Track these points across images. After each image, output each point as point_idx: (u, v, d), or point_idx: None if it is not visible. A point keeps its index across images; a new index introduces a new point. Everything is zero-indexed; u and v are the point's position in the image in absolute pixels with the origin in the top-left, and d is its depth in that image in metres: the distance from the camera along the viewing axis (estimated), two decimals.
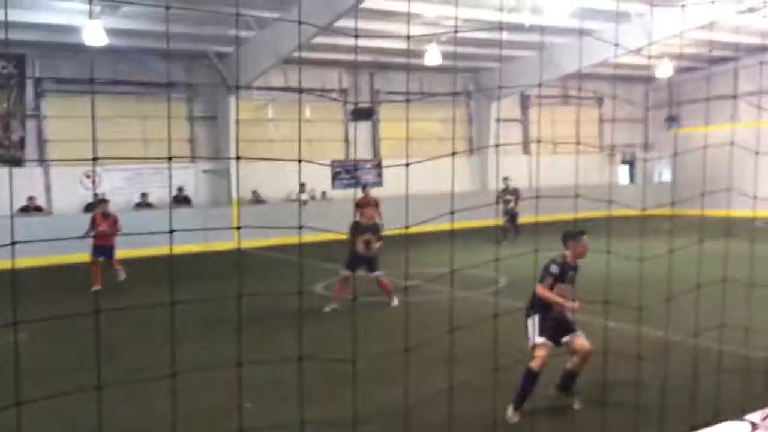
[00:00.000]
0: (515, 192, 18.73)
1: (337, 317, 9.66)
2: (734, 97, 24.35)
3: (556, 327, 5.80)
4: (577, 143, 23.78)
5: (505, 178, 19.27)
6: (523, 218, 18.75)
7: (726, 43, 21.89)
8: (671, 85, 27.45)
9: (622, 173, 29.54)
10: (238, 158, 3.36)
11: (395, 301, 10.42)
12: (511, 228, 18.34)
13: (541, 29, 17.82)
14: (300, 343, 4.40)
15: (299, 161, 3.58)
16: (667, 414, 5.12)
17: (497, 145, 24.59)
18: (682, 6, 14.06)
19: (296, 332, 5.46)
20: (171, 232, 3.17)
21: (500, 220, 18.33)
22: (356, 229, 10.37)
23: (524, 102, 26.41)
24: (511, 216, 18.57)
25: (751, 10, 16.79)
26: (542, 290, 5.81)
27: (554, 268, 5.84)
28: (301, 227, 3.59)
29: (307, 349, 4.23)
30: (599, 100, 27.88)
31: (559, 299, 5.77)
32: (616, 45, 13.54)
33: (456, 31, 18.69)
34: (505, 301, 10.01)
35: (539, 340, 5.72)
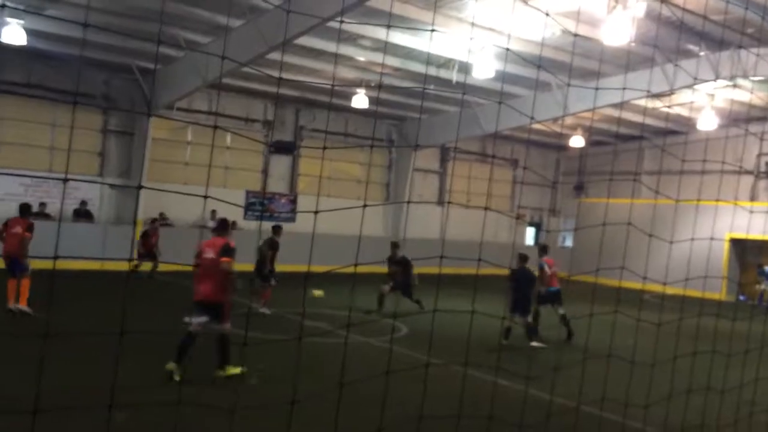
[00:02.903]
0: (402, 262, 14.59)
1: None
2: (636, 173, 25.98)
3: None
4: (486, 208, 24.58)
5: (394, 245, 15.22)
6: (427, 269, 18.98)
7: (634, 123, 23.38)
8: (582, 155, 28.96)
9: (529, 234, 30.67)
10: (140, 187, 3.21)
11: (266, 310, 12.79)
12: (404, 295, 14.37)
13: (466, 88, 18.46)
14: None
15: (205, 197, 3.49)
16: None
17: (409, 202, 25.01)
18: (596, 88, 14.99)
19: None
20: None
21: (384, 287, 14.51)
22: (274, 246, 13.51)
23: (444, 154, 27.10)
24: (400, 287, 14.44)
25: (658, 95, 18.05)
26: None
27: None
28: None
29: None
30: (514, 162, 29.00)
31: None
32: (532, 118, 14.21)
33: (380, 84, 19.08)
34: (402, 350, 10.07)
35: None
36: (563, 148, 28.46)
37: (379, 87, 18.82)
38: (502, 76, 16.91)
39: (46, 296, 9.15)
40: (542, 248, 13.19)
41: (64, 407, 5.50)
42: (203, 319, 7.70)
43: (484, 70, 16.37)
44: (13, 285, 10.77)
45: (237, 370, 7.79)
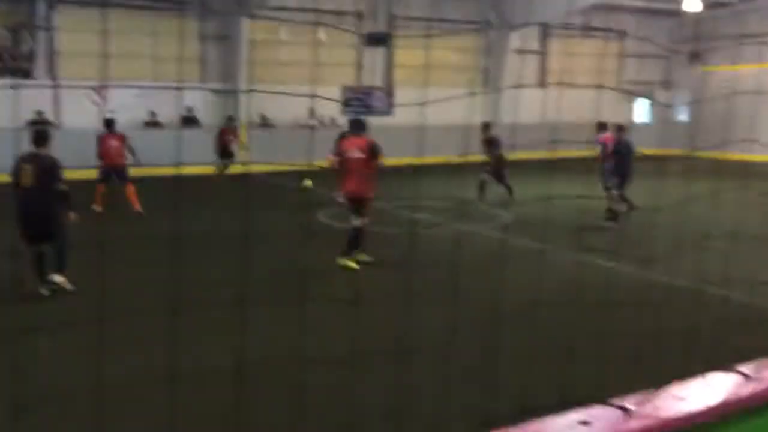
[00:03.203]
0: (492, 141, 14.03)
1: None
2: (765, 35, 23.58)
3: None
4: (599, 86, 23.30)
5: (485, 125, 14.41)
6: (533, 154, 18.48)
7: None
8: (698, 20, 26.52)
9: (639, 111, 28.98)
10: (249, 91, 3.19)
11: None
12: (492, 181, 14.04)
13: None
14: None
15: (312, 96, 3.45)
16: (660, 363, 5.15)
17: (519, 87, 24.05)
18: None
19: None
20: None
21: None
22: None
23: (544, 32, 25.64)
24: (492, 171, 14.02)
25: None
26: None
27: None
28: None
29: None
30: (621, 34, 27.04)
31: None
32: None
33: None
34: (506, 237, 10.01)
35: None
36: (676, 13, 26.14)
37: None
38: None
39: (167, 202, 9.66)
40: (602, 125, 12.51)
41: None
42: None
43: None
44: (102, 190, 12.21)
45: (361, 259, 8.46)
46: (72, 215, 7.48)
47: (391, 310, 6.20)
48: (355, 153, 8.35)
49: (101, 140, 12.33)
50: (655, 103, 28.24)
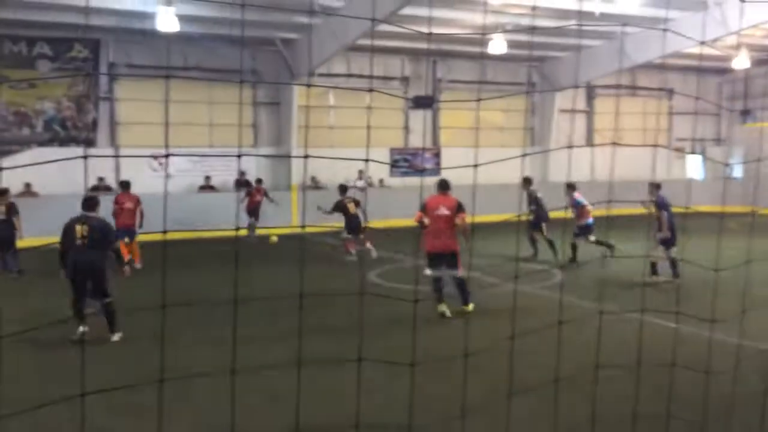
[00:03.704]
0: (536, 202, 13.92)
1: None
2: None
3: None
4: (655, 145, 23.14)
5: (525, 181, 14.15)
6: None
7: None
8: (747, 77, 26.28)
9: (692, 168, 28.53)
10: (305, 156, 3.33)
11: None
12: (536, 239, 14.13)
13: (610, 18, 17.28)
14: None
15: (366, 160, 3.55)
16: (730, 429, 4.93)
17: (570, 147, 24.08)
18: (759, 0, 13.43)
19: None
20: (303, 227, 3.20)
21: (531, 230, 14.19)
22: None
23: (590, 92, 25.76)
24: (532, 224, 14.04)
25: None
26: None
27: None
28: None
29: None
30: (669, 92, 26.95)
31: None
32: (703, 42, 12.94)
33: (531, 25, 18.32)
34: (560, 296, 9.84)
35: None
36: (724, 71, 25.99)
37: (532, 29, 18.07)
38: (652, 1, 15.65)
39: (230, 260, 9.86)
40: (570, 185, 13.39)
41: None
42: (442, 268, 8.92)
43: None
44: (134, 247, 12.83)
45: (471, 308, 9.03)
46: (126, 270, 8.13)
47: (447, 371, 6.13)
48: (444, 210, 8.92)
49: (116, 200, 12.81)
50: (707, 160, 27.80)
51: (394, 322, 8.50)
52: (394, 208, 18.69)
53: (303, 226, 14.51)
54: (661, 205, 11.02)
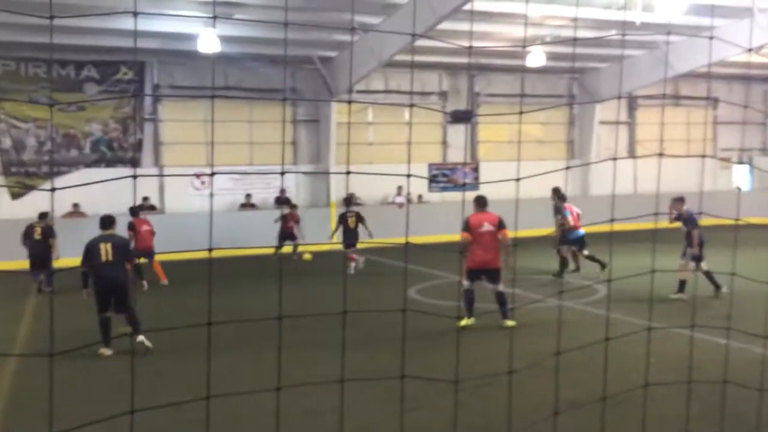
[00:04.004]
0: (557, 209, 13.97)
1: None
2: None
3: None
4: (704, 155, 22.65)
5: (555, 191, 14.01)
6: (626, 225, 17.94)
7: None
8: None
9: (738, 179, 27.77)
10: (348, 173, 3.33)
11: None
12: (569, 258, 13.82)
13: (651, 27, 17.01)
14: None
15: (408, 176, 3.54)
16: None
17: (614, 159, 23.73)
18: None
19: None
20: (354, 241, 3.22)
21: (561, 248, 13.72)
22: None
23: (631, 103, 25.36)
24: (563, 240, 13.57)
25: None
26: None
27: None
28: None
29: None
30: (713, 101, 26.35)
31: None
32: (750, 49, 12.64)
33: (575, 37, 18.18)
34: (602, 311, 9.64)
35: None
36: None
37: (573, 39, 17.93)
38: (694, 9, 15.37)
39: (269, 277, 9.94)
40: (560, 195, 13.59)
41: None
42: (480, 281, 9.19)
43: (675, 3, 15.00)
44: (157, 266, 13.36)
45: (511, 323, 8.93)
46: (144, 284, 8.84)
47: (489, 387, 6.05)
48: (488, 227, 9.11)
49: (134, 226, 12.96)
50: (755, 170, 27.03)
51: (434, 339, 8.45)
52: (433, 223, 18.63)
53: (343, 243, 14.54)
54: (691, 220, 10.76)
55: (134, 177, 2.83)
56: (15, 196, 17.31)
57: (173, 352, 8.02)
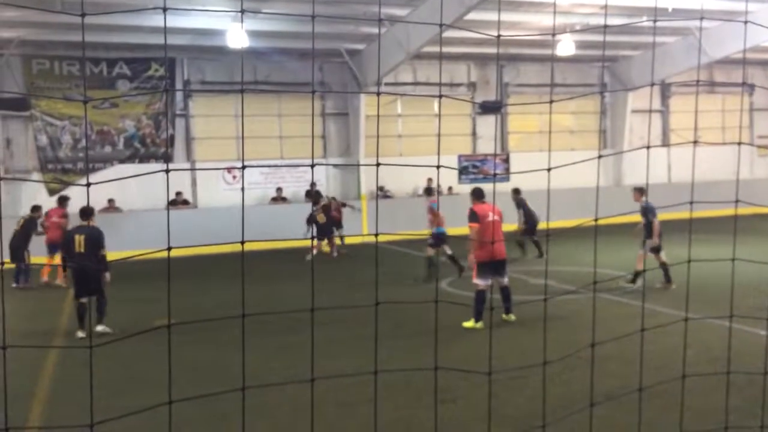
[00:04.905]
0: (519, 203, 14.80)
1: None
2: None
3: None
4: (740, 143, 22.19)
5: (515, 191, 14.82)
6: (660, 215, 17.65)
7: None
8: None
9: None
10: (377, 164, 3.32)
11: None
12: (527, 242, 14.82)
13: (684, 13, 16.67)
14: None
15: (437, 167, 3.51)
16: None
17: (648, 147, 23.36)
18: None
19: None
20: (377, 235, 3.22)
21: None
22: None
23: (664, 91, 24.89)
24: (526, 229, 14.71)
25: None
26: None
27: None
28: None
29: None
30: (750, 87, 25.72)
31: None
32: None
33: (605, 23, 17.89)
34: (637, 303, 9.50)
35: None
36: None
37: (604, 27, 17.65)
38: None
39: (300, 271, 10.00)
40: (428, 191, 14.73)
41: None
42: (495, 275, 8.63)
43: None
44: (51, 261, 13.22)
45: (513, 318, 8.86)
46: (108, 275, 8.89)
47: (524, 379, 6.02)
48: (494, 217, 8.73)
49: (48, 216, 13.41)
50: None
51: (466, 331, 8.43)
52: (463, 216, 18.51)
53: (376, 235, 14.49)
54: (650, 211, 10.67)
55: (167, 172, 2.83)
56: (52, 192, 17.66)
57: (208, 343, 8.12)
